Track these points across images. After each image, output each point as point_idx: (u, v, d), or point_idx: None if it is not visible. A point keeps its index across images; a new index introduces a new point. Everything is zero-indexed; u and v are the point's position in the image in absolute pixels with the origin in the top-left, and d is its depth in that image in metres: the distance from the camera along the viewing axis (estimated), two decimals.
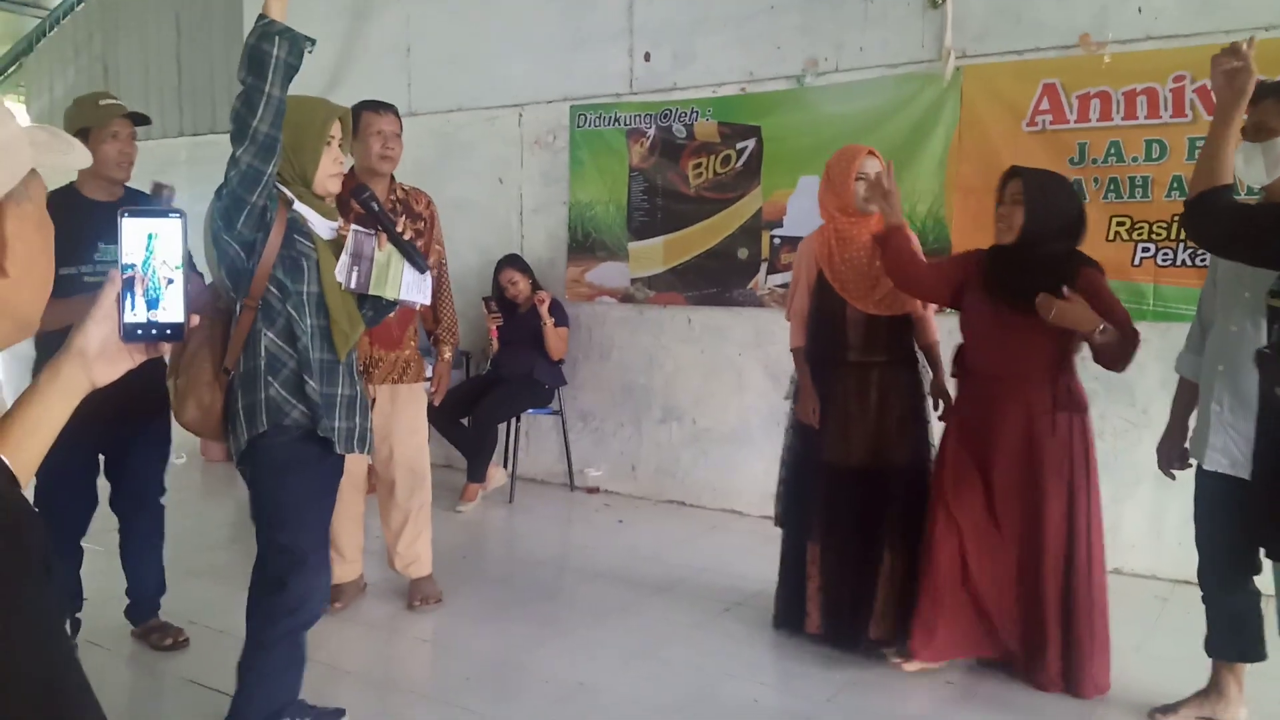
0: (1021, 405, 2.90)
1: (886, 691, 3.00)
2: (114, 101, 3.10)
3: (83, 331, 1.00)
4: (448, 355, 3.85)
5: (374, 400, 3.55)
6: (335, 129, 2.42)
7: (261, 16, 2.20)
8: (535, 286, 5.29)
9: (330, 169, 2.43)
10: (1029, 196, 2.85)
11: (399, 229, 3.49)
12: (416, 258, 2.55)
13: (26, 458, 0.94)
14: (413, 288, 2.59)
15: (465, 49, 5.86)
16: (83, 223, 2.93)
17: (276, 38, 2.16)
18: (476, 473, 5.21)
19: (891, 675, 3.09)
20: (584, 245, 5.50)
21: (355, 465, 3.59)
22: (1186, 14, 3.88)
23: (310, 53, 2.25)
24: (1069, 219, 2.91)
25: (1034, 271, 2.84)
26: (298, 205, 2.40)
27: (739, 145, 4.95)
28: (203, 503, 5.42)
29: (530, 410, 5.37)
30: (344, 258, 2.47)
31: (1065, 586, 2.90)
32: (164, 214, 1.01)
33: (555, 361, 5.26)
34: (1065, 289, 2.74)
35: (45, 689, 0.79)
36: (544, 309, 5.10)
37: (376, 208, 2.57)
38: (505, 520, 5.13)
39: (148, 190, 3.20)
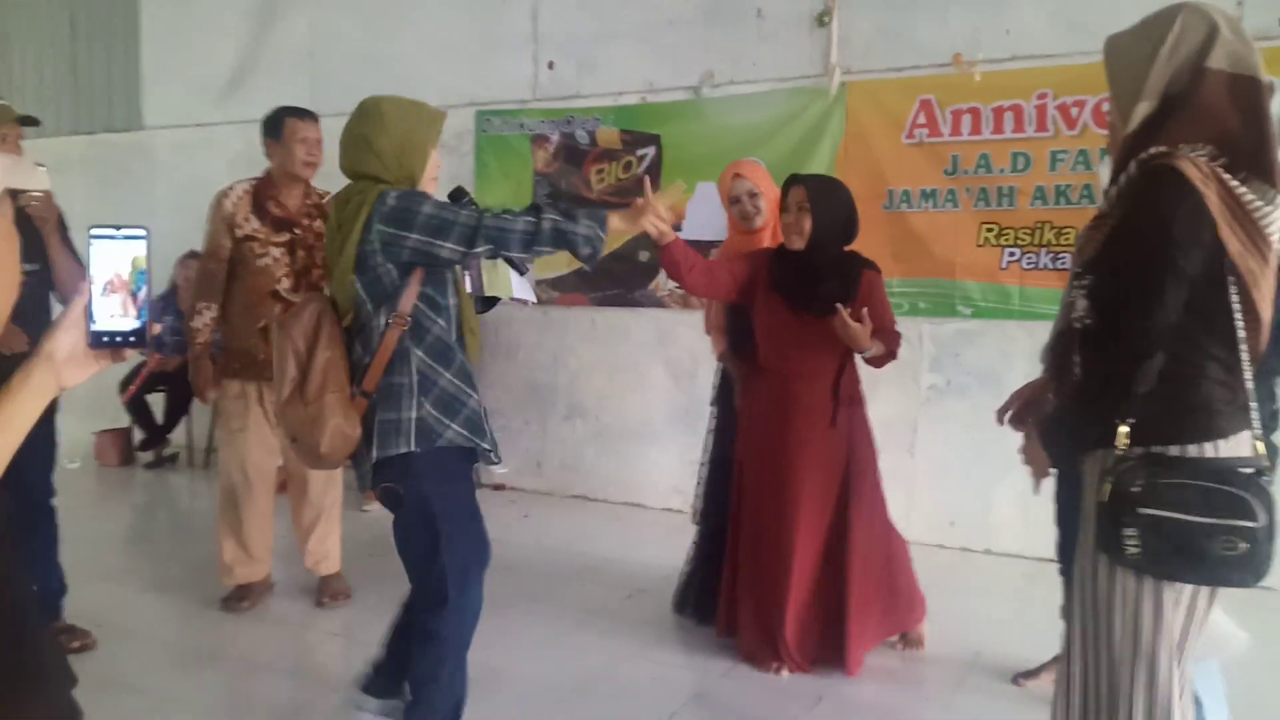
0: (810, 400, 3.06)
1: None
2: (2, 104, 3.11)
3: (52, 337, 1.09)
4: None
5: None
6: (437, 133, 2.41)
7: (602, 215, 2.29)
8: None
9: (432, 172, 2.41)
10: (814, 203, 2.98)
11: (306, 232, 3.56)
12: (515, 260, 2.53)
13: (1, 453, 1.05)
14: (520, 287, 2.61)
15: (369, 53, 5.90)
16: None
17: (595, 241, 2.26)
18: None
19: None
20: None
21: (266, 464, 3.65)
22: (1049, 36, 4.22)
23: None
24: (848, 221, 3.08)
25: (824, 275, 3.01)
26: None
27: (639, 152, 5.14)
28: (99, 506, 5.34)
29: None
30: None
31: (838, 571, 3.07)
32: (142, 231, 1.11)
33: None
34: (865, 311, 2.90)
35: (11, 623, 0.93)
36: None
37: (474, 207, 2.48)
38: None
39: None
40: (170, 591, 3.90)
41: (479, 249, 2.21)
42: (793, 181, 3.08)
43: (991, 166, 4.33)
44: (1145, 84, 1.62)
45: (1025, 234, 4.28)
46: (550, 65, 5.41)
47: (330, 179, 3.76)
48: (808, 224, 2.99)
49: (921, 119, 4.45)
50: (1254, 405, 1.63)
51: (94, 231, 1.10)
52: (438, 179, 2.46)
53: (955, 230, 4.41)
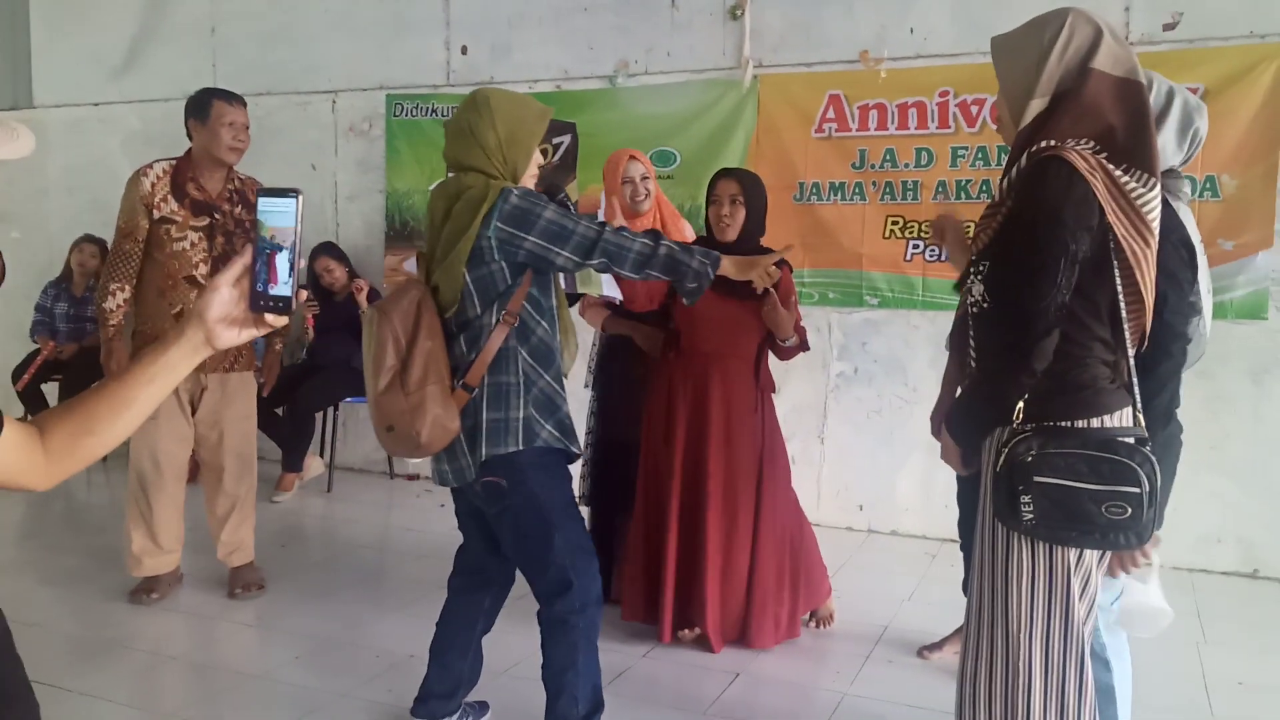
0: (731, 384, 3.15)
1: (697, 646, 3.30)
2: None
3: (204, 296, 1.07)
4: (279, 346, 3.85)
5: (205, 389, 3.56)
6: (542, 129, 2.39)
7: (716, 256, 2.35)
8: (352, 274, 5.30)
9: (533, 168, 2.40)
10: (748, 196, 3.10)
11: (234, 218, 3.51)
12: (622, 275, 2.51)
13: (142, 403, 1.04)
14: (609, 285, 2.55)
15: (275, 32, 5.78)
16: None
17: (703, 278, 2.31)
18: (293, 462, 5.20)
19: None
20: (402, 234, 5.56)
21: (177, 453, 3.57)
22: (951, 36, 4.39)
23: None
24: (765, 216, 3.21)
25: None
26: None
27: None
28: None
29: (349, 399, 5.39)
30: None
31: (752, 552, 3.17)
32: (291, 194, 1.06)
33: None
34: (793, 299, 3.04)
35: None
36: (362, 297, 5.13)
37: (573, 208, 2.46)
38: (324, 508, 5.14)
39: None
40: (72, 584, 3.79)
41: (594, 261, 2.24)
42: (725, 174, 3.16)
43: (896, 161, 4.49)
44: (1038, 82, 1.72)
45: (928, 227, 4.44)
46: (463, 50, 5.38)
47: (250, 164, 3.70)
48: (741, 215, 3.09)
49: (831, 114, 4.58)
50: (1134, 383, 1.75)
51: (262, 192, 1.07)
52: (539, 174, 2.44)
53: (862, 222, 4.56)
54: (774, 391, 3.30)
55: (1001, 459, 1.73)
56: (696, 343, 3.19)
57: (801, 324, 3.18)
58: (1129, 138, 1.69)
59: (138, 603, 3.56)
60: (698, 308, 3.12)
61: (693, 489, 3.17)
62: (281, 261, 1.05)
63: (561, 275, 2.47)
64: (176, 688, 3.04)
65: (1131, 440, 1.70)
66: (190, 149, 3.50)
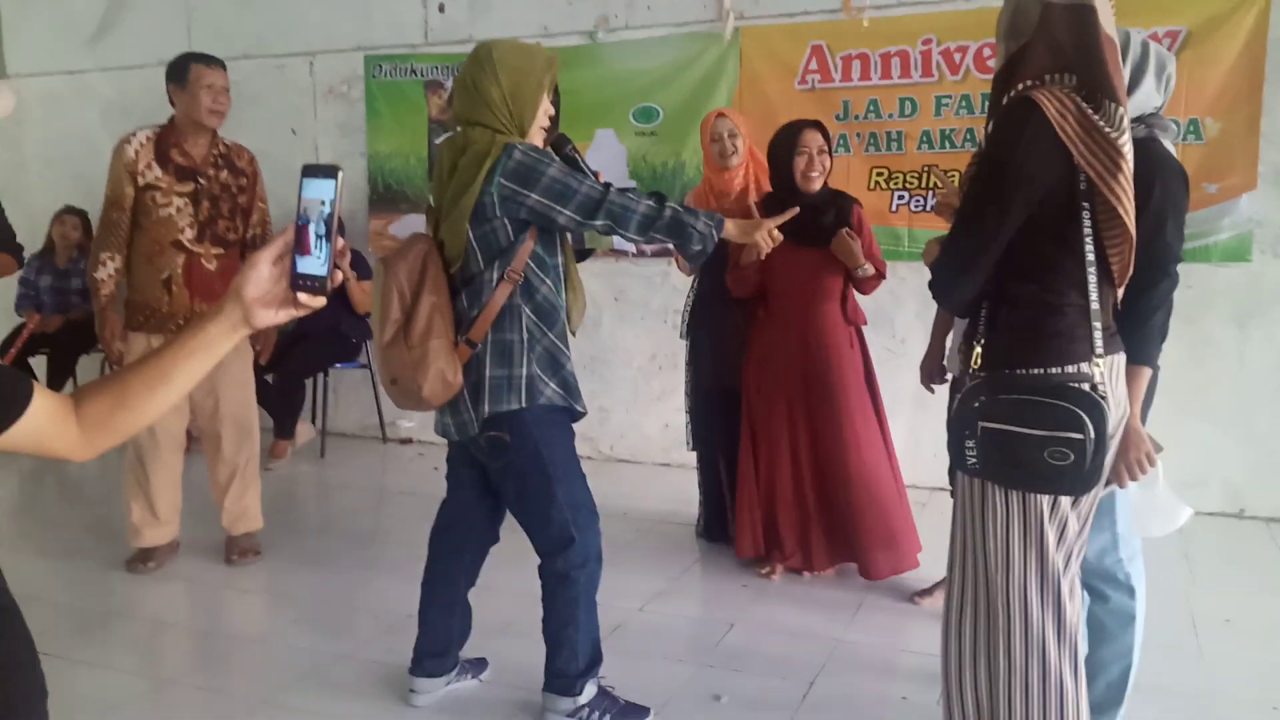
0: (822, 324, 3.35)
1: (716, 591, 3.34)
2: None
3: (242, 274, 1.05)
4: None
5: None
6: (550, 79, 2.35)
7: (720, 219, 2.34)
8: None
9: (542, 120, 2.36)
10: (831, 147, 3.30)
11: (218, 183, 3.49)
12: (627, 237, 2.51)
13: (179, 380, 1.04)
14: (618, 240, 2.58)
15: None
16: None
17: (708, 241, 2.30)
18: (285, 429, 5.20)
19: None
20: (385, 197, 5.52)
21: (174, 424, 3.57)
22: None
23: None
24: None
25: (830, 211, 3.29)
26: None
27: None
28: None
29: (338, 364, 5.38)
30: None
31: (854, 481, 3.37)
32: (332, 172, 1.03)
33: (361, 315, 5.28)
34: (848, 230, 3.22)
35: None
36: (345, 263, 5.08)
37: (582, 162, 2.42)
38: (318, 475, 5.16)
39: None
40: (68, 557, 3.81)
41: (597, 222, 2.24)
42: (809, 126, 3.30)
43: (880, 112, 4.46)
44: (1003, 26, 1.76)
45: (913, 178, 4.44)
46: (441, 8, 5.30)
47: (229, 130, 3.66)
48: (829, 165, 3.30)
49: (814, 65, 4.54)
50: (1097, 326, 1.73)
51: (305, 171, 1.04)
52: (548, 127, 2.41)
53: (847, 174, 4.53)
54: (864, 324, 3.47)
55: (956, 404, 1.76)
56: (783, 296, 3.36)
57: (880, 255, 3.37)
58: (1083, 65, 1.67)
59: (134, 572, 3.59)
60: (774, 261, 3.14)
61: (803, 433, 3.36)
62: (317, 240, 1.02)
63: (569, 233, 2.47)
64: (178, 653, 3.07)
65: (1086, 386, 1.69)
66: (173, 115, 3.48)
